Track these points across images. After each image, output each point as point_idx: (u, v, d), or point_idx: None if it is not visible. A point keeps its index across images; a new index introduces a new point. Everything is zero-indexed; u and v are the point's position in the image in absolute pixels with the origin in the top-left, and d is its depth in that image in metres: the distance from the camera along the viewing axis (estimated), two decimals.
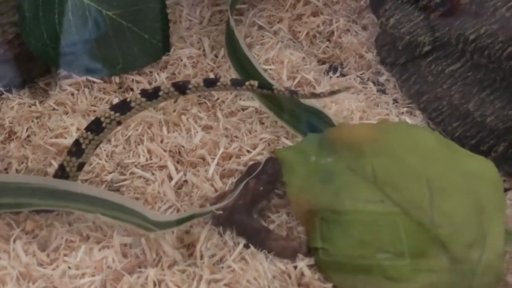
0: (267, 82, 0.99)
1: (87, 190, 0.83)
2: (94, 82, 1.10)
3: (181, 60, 1.14)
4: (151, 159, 0.97)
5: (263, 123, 1.04)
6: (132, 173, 0.95)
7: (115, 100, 1.07)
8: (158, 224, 0.81)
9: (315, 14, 1.26)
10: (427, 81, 1.08)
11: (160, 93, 0.84)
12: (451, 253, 0.78)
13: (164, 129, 1.01)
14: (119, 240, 0.84)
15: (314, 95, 0.82)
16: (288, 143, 1.00)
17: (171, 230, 0.84)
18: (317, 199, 0.86)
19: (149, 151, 0.98)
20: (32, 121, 1.03)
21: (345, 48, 1.21)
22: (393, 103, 1.11)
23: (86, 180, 0.94)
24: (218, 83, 0.83)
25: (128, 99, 0.84)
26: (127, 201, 0.83)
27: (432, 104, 1.06)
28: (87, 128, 0.84)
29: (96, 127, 0.84)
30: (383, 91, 1.14)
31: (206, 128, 1.03)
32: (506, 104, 0.97)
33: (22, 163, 0.97)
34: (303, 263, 0.82)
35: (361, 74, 1.18)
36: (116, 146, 0.99)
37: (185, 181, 0.94)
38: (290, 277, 0.81)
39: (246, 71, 1.06)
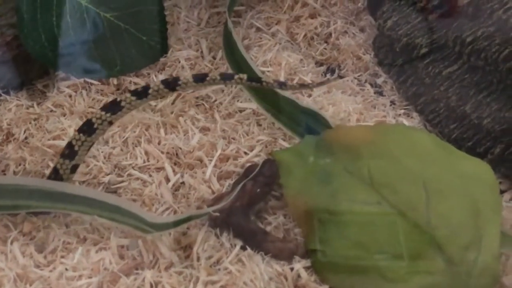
0: (256, 75, 0.99)
1: (84, 192, 0.83)
2: (91, 83, 1.10)
3: (179, 62, 1.14)
4: (148, 161, 0.97)
5: (260, 125, 1.04)
6: (129, 174, 0.95)
7: None
8: (155, 226, 0.81)
9: (312, 16, 1.26)
10: (424, 83, 1.09)
11: (150, 91, 0.84)
12: (447, 255, 0.78)
13: (162, 130, 1.02)
14: (116, 242, 0.84)
15: (303, 86, 0.82)
16: (285, 145, 1.00)
17: (168, 232, 0.84)
18: (314, 201, 0.86)
19: (146, 153, 0.98)
20: (30, 123, 1.03)
21: (342, 50, 1.21)
22: (390, 105, 1.11)
23: (83, 182, 0.94)
24: (208, 78, 0.83)
25: (118, 99, 0.84)
26: (124, 203, 0.83)
27: (429, 106, 1.06)
28: (79, 130, 0.84)
29: (88, 129, 0.84)
30: (380, 93, 1.14)
31: (204, 130, 1.03)
32: (502, 106, 0.97)
33: (20, 165, 0.97)
34: (299, 265, 0.82)
35: (358, 76, 1.18)
36: (113, 147, 0.99)
37: (182, 183, 0.94)
38: (286, 279, 0.81)
39: (244, 73, 1.06)
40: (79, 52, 1.10)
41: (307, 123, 0.98)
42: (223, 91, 1.09)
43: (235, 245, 0.84)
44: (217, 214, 0.84)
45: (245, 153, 0.99)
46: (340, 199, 0.85)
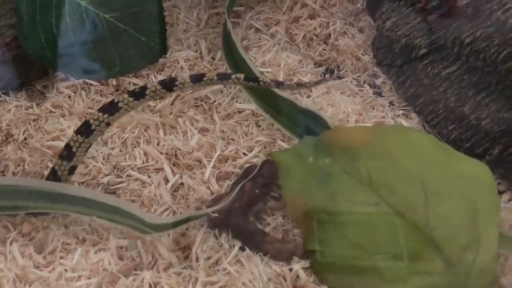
0: (253, 75, 0.99)
1: (83, 193, 0.83)
2: (91, 84, 1.10)
3: (178, 63, 1.15)
4: (147, 162, 0.97)
5: (259, 126, 1.04)
6: (128, 175, 0.95)
7: None
8: (154, 227, 0.81)
9: (312, 16, 1.26)
10: (423, 84, 1.09)
11: (147, 91, 0.84)
12: (446, 256, 0.79)
13: (161, 131, 1.02)
14: (115, 243, 0.84)
15: (300, 86, 0.82)
16: (284, 145, 1.00)
17: (167, 233, 0.84)
18: (313, 201, 0.86)
19: (145, 154, 0.98)
20: (29, 123, 1.03)
21: (341, 51, 1.21)
22: (389, 106, 1.11)
23: (82, 183, 0.94)
24: (205, 78, 0.84)
25: (116, 100, 0.84)
26: (123, 203, 0.83)
27: (428, 106, 1.06)
28: (77, 131, 0.84)
29: (85, 130, 0.84)
30: (379, 94, 1.14)
31: (203, 131, 1.03)
32: (501, 107, 0.97)
33: (19, 165, 0.97)
34: (298, 266, 0.82)
35: (357, 76, 1.18)
36: (112, 148, 0.99)
37: (181, 183, 0.94)
38: (285, 279, 0.81)
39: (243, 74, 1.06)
40: (79, 53, 1.10)
41: (306, 124, 0.98)
42: (222, 92, 1.10)
43: (234, 246, 0.84)
44: (216, 215, 0.84)
45: (244, 154, 0.99)
46: (339, 200, 0.85)
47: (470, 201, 0.82)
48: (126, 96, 0.84)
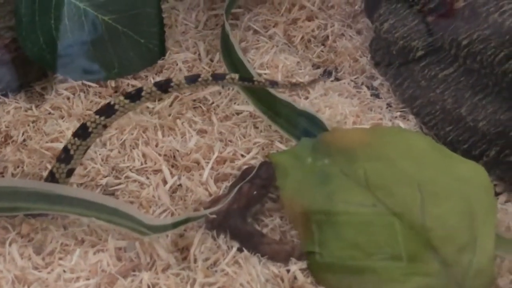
0: (248, 74, 1.00)
1: (82, 194, 0.83)
2: (89, 86, 1.10)
3: (177, 65, 1.15)
4: (146, 163, 0.98)
5: (257, 128, 1.04)
6: (127, 177, 0.96)
7: None
8: (153, 228, 0.81)
9: (310, 18, 1.26)
10: (420, 86, 1.09)
11: (143, 93, 0.84)
12: (443, 257, 0.79)
13: (159, 133, 1.02)
14: (113, 244, 0.84)
15: (294, 85, 0.83)
16: (282, 147, 1.00)
17: (165, 234, 0.84)
18: (311, 203, 0.86)
19: (144, 155, 0.99)
20: (28, 125, 1.04)
21: (339, 53, 1.21)
22: (387, 108, 1.12)
23: (81, 184, 0.94)
24: (200, 79, 0.84)
25: (112, 102, 0.84)
26: (121, 205, 0.83)
27: (425, 108, 1.07)
28: (75, 134, 0.85)
29: (83, 133, 0.85)
30: (376, 96, 1.15)
31: (201, 132, 1.03)
32: (498, 108, 0.97)
33: (18, 167, 0.97)
34: (296, 267, 0.82)
35: (355, 78, 1.18)
36: (111, 150, 0.99)
37: (180, 185, 0.95)
38: (283, 280, 0.81)
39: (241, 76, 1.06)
40: (77, 55, 1.10)
41: (304, 125, 0.99)
42: (220, 93, 1.10)
43: (232, 247, 0.85)
44: (214, 216, 0.85)
45: (242, 155, 0.99)
46: (336, 201, 0.85)
47: (466, 202, 0.82)
48: (122, 98, 0.84)
